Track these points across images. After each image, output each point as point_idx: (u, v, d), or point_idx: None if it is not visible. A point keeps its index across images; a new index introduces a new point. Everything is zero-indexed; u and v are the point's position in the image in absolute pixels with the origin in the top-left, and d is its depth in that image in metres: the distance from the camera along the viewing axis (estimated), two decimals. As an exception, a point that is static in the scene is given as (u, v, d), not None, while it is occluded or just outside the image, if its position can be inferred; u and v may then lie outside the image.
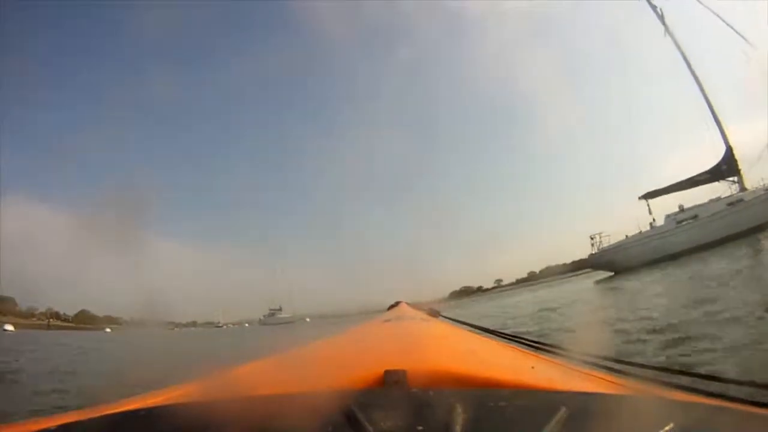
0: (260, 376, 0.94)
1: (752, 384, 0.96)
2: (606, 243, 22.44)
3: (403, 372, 0.70)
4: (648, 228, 21.47)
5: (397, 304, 4.39)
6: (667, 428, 0.48)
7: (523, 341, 1.75)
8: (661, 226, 21.04)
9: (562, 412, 0.51)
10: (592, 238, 22.60)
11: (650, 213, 21.81)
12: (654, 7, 21.86)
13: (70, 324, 56.60)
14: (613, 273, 20.60)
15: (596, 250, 22.60)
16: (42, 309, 59.12)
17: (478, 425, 0.50)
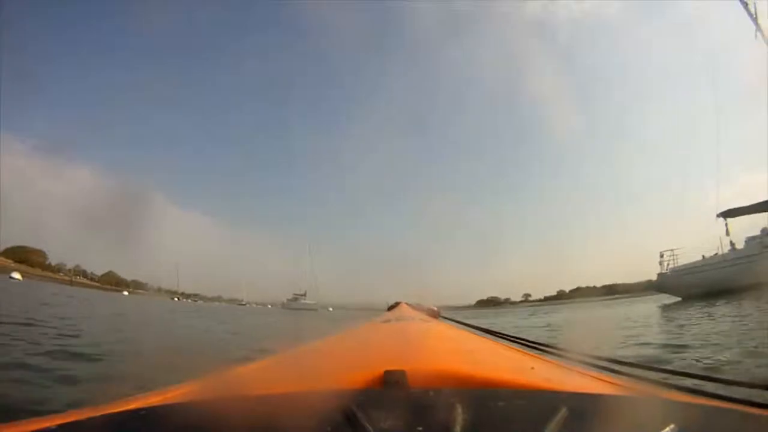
0: (260, 376, 0.94)
1: (752, 385, 0.96)
2: (674, 263, 19.63)
3: (403, 372, 0.70)
4: (728, 250, 18.44)
5: (397, 304, 4.40)
6: (667, 429, 0.48)
7: (523, 341, 1.75)
8: (743, 249, 18.15)
9: (563, 412, 0.51)
10: (661, 256, 20.02)
11: (728, 234, 18.57)
12: (745, 5, 19.03)
13: (95, 284, 57.21)
14: (680, 298, 18.07)
15: (665, 270, 19.79)
16: (70, 266, 60.19)
17: (478, 425, 0.50)
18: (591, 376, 0.97)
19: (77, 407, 0.70)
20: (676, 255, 19.89)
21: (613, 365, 1.11)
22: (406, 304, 4.25)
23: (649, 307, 16.41)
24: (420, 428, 0.50)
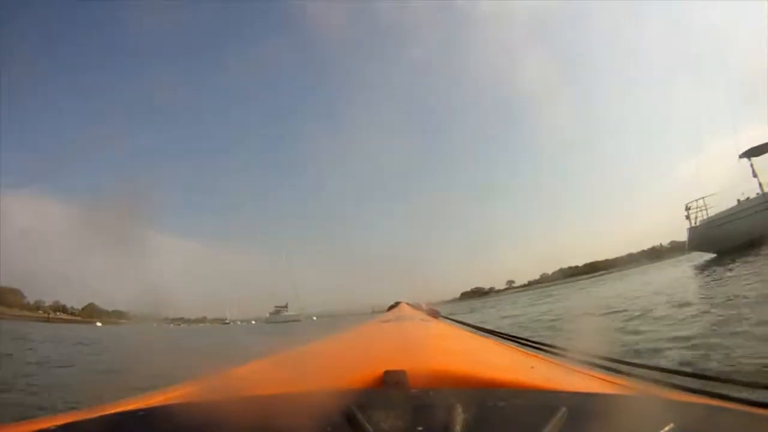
0: (260, 376, 0.94)
1: (752, 384, 0.96)
2: (703, 215, 16.31)
3: (403, 372, 0.70)
4: (757, 194, 15.54)
5: (396, 304, 4.40)
6: (666, 428, 0.48)
7: (523, 341, 1.75)
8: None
9: (562, 412, 0.51)
10: (687, 209, 16.92)
11: (755, 175, 15.67)
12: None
13: (76, 317, 57.01)
14: (714, 254, 15.32)
15: (695, 224, 16.70)
16: (49, 302, 59.89)
17: (478, 425, 0.50)
18: (591, 375, 0.97)
19: (77, 408, 0.70)
20: (707, 204, 16.55)
21: (613, 365, 1.11)
22: (406, 303, 4.25)
23: (681, 271, 13.56)
24: (420, 428, 0.49)
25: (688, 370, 1.08)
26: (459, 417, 0.50)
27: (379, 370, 0.71)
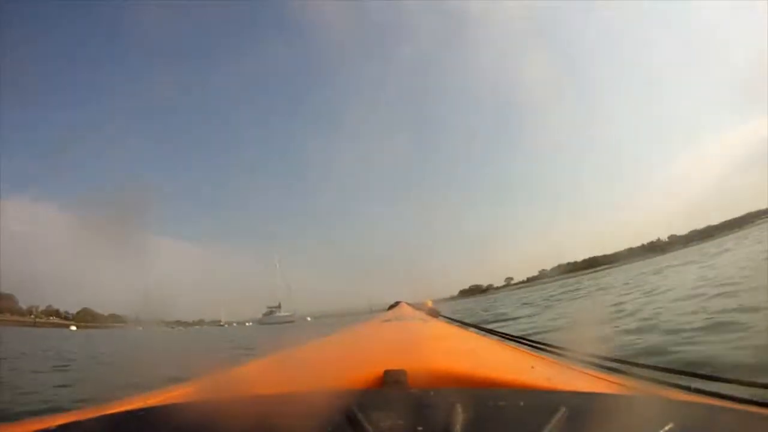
0: (260, 376, 0.94)
1: (752, 384, 0.96)
2: None
3: (403, 372, 0.70)
4: None
5: (397, 304, 4.40)
6: (666, 428, 0.48)
7: (523, 341, 1.75)
8: None
9: (562, 412, 0.51)
10: None
11: None
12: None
13: (67, 322, 56.92)
14: None
15: None
16: (43, 307, 59.77)
17: (478, 425, 0.50)
18: (591, 375, 0.97)
19: (77, 407, 0.70)
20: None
21: (613, 364, 1.11)
22: (406, 303, 4.25)
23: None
24: (420, 428, 0.49)
25: (688, 369, 1.08)
26: (459, 417, 0.50)
27: (379, 370, 0.71)
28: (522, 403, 0.58)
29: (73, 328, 45.48)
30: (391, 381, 0.69)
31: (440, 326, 2.14)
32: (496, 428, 0.52)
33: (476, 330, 2.38)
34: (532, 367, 0.94)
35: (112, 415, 0.61)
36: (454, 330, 2.12)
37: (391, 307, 4.33)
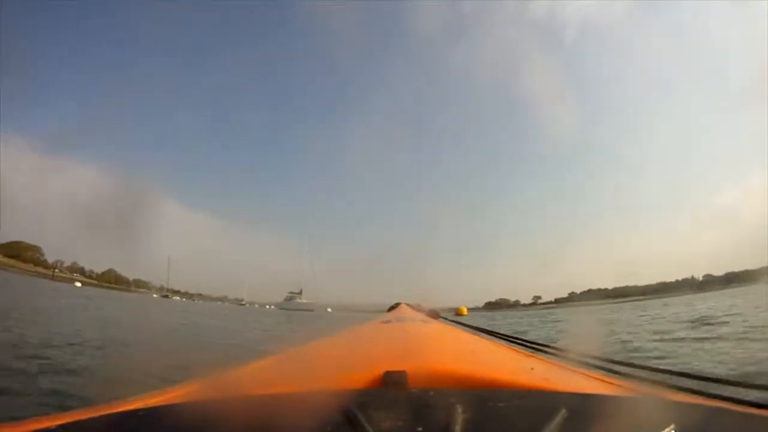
0: (260, 376, 0.94)
1: (752, 385, 0.96)
2: None
3: (404, 373, 0.70)
4: None
5: (397, 305, 4.40)
6: (666, 429, 0.48)
7: (523, 342, 1.75)
8: None
9: (562, 413, 0.51)
10: None
11: None
12: None
13: (90, 280, 57.54)
14: None
15: None
16: (68, 263, 60.57)
17: (478, 426, 0.50)
18: (591, 376, 0.97)
19: (77, 407, 0.70)
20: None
21: (613, 365, 1.11)
22: (406, 304, 4.25)
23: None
24: (420, 429, 0.50)
25: (688, 371, 1.08)
26: (459, 417, 0.50)
27: (380, 370, 0.71)
28: (522, 404, 0.58)
29: (78, 284, 45.42)
30: (391, 382, 0.69)
31: (440, 327, 2.14)
32: (495, 429, 0.52)
33: (476, 331, 2.38)
34: (532, 368, 0.94)
35: (112, 415, 0.61)
36: (454, 331, 2.12)
37: (392, 308, 4.32)
